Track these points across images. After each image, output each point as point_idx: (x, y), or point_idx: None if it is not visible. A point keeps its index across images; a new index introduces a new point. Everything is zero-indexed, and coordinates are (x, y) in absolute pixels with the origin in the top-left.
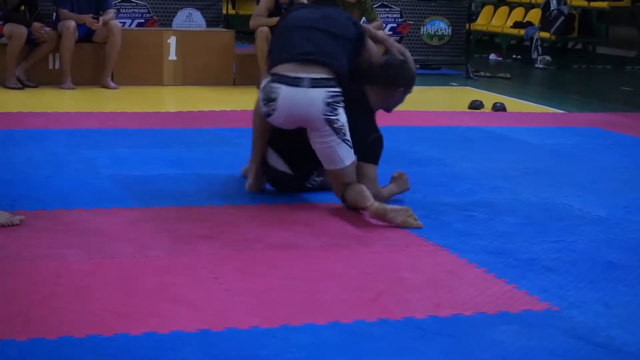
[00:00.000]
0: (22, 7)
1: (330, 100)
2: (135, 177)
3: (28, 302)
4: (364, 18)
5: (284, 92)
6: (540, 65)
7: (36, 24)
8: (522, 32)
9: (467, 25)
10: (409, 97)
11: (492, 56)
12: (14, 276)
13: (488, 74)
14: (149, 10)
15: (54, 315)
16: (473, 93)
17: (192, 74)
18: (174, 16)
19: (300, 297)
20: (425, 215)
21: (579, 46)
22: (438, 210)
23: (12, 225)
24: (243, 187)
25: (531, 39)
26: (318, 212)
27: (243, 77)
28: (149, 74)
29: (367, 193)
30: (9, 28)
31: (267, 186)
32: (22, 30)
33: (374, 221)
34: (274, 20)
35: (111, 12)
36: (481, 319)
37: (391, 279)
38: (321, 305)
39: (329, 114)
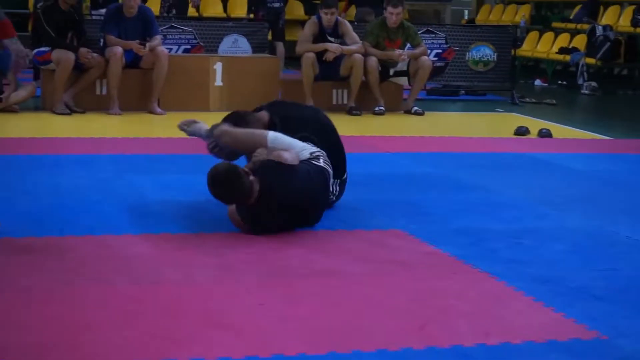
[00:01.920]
0: (70, 34)
1: None
2: (181, 202)
3: (76, 328)
4: (408, 44)
5: None
6: (586, 91)
7: (83, 50)
8: (568, 57)
9: (513, 51)
10: (454, 122)
11: (538, 82)
12: (62, 301)
13: (533, 100)
14: (195, 37)
15: (102, 340)
16: (518, 119)
17: (238, 100)
18: (219, 42)
19: (346, 323)
20: (471, 242)
21: (625, 72)
22: (484, 237)
23: None
24: None
25: (577, 64)
26: (361, 238)
27: None
28: (195, 99)
29: None
30: (57, 54)
31: None
32: (70, 56)
33: None
34: (320, 46)
35: (158, 38)
36: (530, 348)
37: (438, 307)
38: (368, 333)
39: None
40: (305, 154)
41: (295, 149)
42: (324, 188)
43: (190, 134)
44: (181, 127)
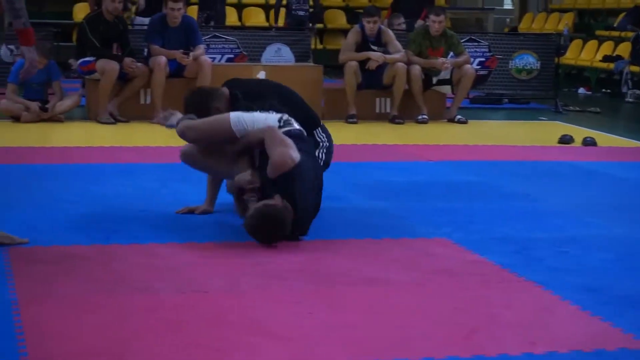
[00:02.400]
0: (114, 44)
1: None
2: (226, 211)
3: (123, 337)
4: (451, 52)
5: None
6: (631, 99)
7: (127, 60)
8: (612, 65)
9: (556, 59)
10: (497, 131)
11: (581, 90)
12: (108, 310)
13: (577, 108)
14: (238, 46)
15: (148, 349)
16: (562, 127)
17: None
18: (262, 51)
19: (392, 332)
20: (516, 250)
21: None
22: (529, 246)
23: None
24: (333, 220)
25: (621, 72)
26: (406, 247)
27: (332, 111)
28: None
29: None
30: (101, 64)
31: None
32: (114, 66)
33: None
34: (363, 54)
35: (201, 48)
36: (577, 357)
37: (484, 315)
38: (413, 341)
39: None
40: (275, 123)
41: (259, 121)
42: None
43: (169, 126)
44: (159, 121)
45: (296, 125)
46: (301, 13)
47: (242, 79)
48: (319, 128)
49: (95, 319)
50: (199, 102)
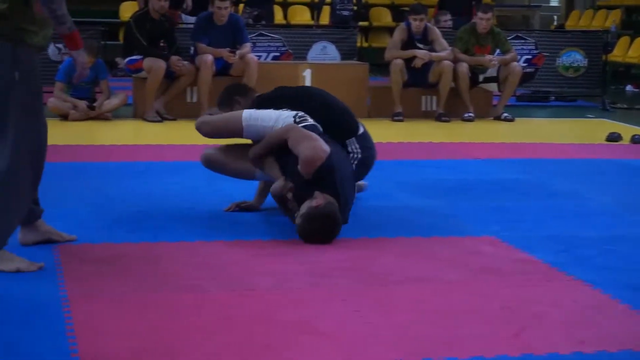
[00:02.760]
0: (161, 42)
1: None
2: (272, 208)
3: (172, 334)
4: (497, 50)
5: None
6: None
7: (174, 58)
8: None
9: (604, 57)
10: (544, 129)
11: (629, 88)
12: (157, 308)
13: (625, 106)
14: (284, 44)
15: (198, 347)
16: (610, 125)
17: None
18: (308, 49)
19: (441, 331)
20: (563, 249)
21: None
22: (577, 244)
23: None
24: (381, 218)
25: None
26: (454, 245)
27: (377, 109)
28: None
29: None
30: (148, 62)
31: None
32: (161, 64)
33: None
34: (409, 52)
35: (247, 46)
36: (627, 356)
37: (533, 314)
38: (462, 340)
39: None
40: (289, 120)
41: (272, 118)
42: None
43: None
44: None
45: (310, 121)
46: (345, 13)
47: (287, 86)
48: (354, 138)
49: (144, 316)
50: (224, 93)
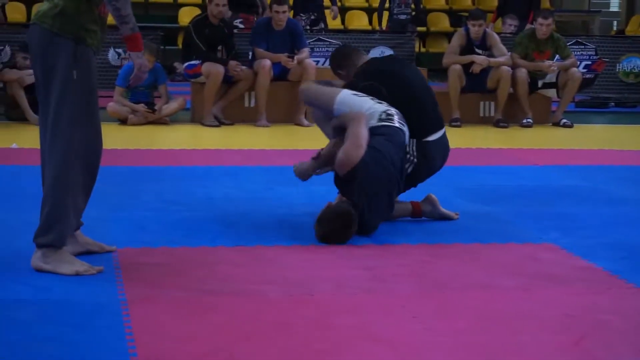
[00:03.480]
0: (220, 47)
1: None
2: None
3: (231, 338)
4: (557, 55)
5: None
6: None
7: (232, 63)
8: None
9: None
10: (604, 135)
11: None
12: (215, 311)
13: None
14: None
15: (257, 351)
16: None
17: None
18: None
19: (500, 338)
20: (625, 256)
21: None
22: (637, 251)
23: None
24: (440, 224)
25: None
26: (514, 252)
27: None
28: None
29: None
30: (207, 67)
31: None
32: (219, 69)
33: None
34: (467, 58)
35: (306, 51)
36: None
37: (594, 322)
38: (522, 347)
39: None
40: (375, 116)
41: (362, 109)
42: (402, 160)
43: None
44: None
45: (396, 124)
46: (402, 17)
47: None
48: (414, 141)
49: (203, 320)
50: (336, 53)
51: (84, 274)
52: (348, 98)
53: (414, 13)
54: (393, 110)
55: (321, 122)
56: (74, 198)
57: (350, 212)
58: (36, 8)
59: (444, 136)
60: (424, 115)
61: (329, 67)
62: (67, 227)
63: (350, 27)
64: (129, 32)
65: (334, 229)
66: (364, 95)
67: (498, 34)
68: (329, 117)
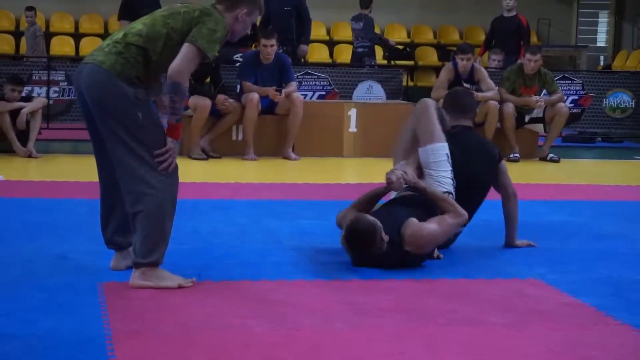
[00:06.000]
0: (207, 80)
1: None
2: (317, 248)
3: None
4: (544, 90)
5: None
6: None
7: (220, 96)
8: None
9: None
10: (591, 170)
11: None
12: (201, 346)
13: None
14: (330, 83)
15: None
16: None
17: (373, 146)
18: (354, 88)
19: None
20: (612, 293)
21: None
22: (626, 287)
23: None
24: (427, 260)
25: None
26: (500, 287)
27: None
28: (329, 145)
29: None
30: (193, 100)
31: None
32: (207, 102)
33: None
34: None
35: (293, 85)
36: None
37: (579, 358)
38: None
39: None
40: (440, 188)
41: (437, 168)
42: None
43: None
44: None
45: (447, 187)
46: (360, 50)
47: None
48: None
49: (189, 355)
50: (448, 100)
51: (184, 286)
52: (440, 154)
53: (377, 44)
54: (453, 190)
55: (406, 133)
56: (170, 223)
57: (371, 227)
58: (23, 41)
59: None
60: (467, 183)
61: (316, 100)
62: (164, 248)
63: (339, 60)
64: (174, 122)
65: (357, 240)
66: (449, 161)
67: (484, 68)
68: (412, 139)
